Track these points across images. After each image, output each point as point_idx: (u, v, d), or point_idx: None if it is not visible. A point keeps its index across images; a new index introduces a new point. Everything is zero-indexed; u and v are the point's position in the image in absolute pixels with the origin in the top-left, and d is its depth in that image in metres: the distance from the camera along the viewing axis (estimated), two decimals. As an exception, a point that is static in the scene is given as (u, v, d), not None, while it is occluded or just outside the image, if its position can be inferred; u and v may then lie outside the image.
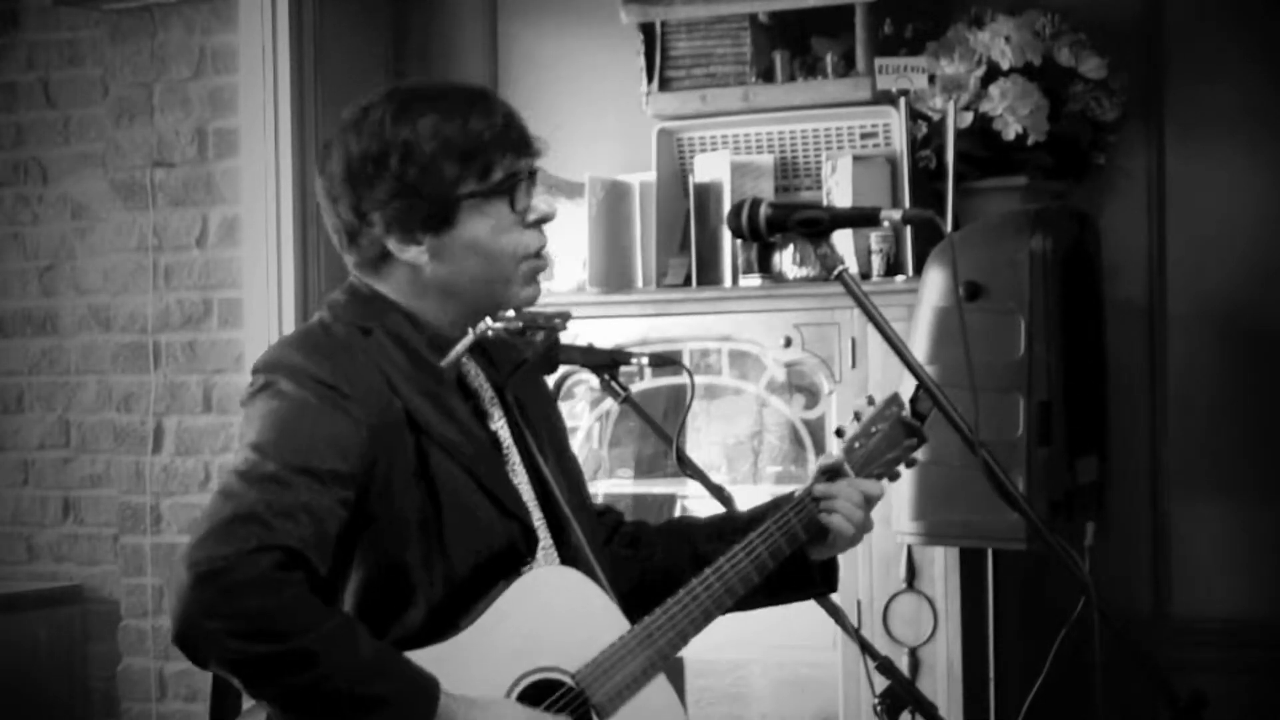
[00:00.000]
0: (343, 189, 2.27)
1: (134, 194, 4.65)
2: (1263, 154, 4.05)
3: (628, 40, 4.25)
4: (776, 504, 2.45)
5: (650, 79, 4.19)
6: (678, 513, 4.28)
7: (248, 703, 2.22)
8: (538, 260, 2.33)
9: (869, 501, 2.41)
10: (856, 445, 2.44)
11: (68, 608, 4.95)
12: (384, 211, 2.25)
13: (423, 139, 2.24)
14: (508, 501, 2.28)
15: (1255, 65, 4.06)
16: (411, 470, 2.20)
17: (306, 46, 4.52)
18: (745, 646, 3.95)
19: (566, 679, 2.24)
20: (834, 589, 2.51)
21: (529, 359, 2.40)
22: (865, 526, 2.42)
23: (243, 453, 2.13)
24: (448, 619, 2.20)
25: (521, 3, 4.67)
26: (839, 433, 2.46)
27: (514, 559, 2.27)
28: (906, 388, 2.43)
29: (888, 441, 2.46)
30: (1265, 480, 4.04)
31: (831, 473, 2.42)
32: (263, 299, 4.49)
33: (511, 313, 2.31)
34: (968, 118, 3.85)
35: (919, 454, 2.51)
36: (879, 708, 2.45)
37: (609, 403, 3.91)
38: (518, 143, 2.29)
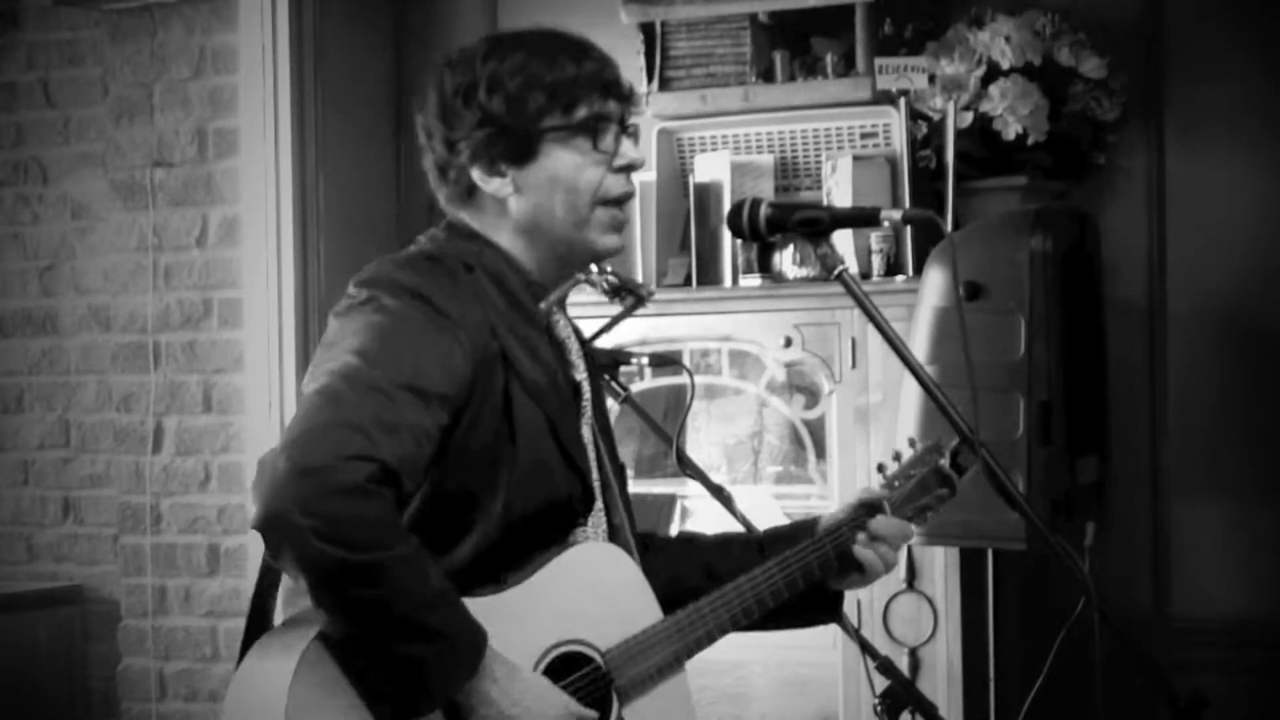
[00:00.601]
0: (435, 123, 2.30)
1: (134, 194, 4.65)
2: (1263, 154, 4.05)
3: (628, 40, 4.25)
4: (797, 526, 2.47)
5: (650, 79, 4.19)
6: (678, 513, 4.28)
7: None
8: (618, 209, 2.32)
9: (902, 540, 2.46)
10: (896, 484, 2.47)
11: (68, 608, 4.95)
12: (470, 141, 2.27)
13: (509, 72, 2.26)
14: (576, 455, 2.29)
15: (1255, 65, 4.06)
16: (498, 408, 2.21)
17: (306, 46, 4.52)
18: (745, 646, 3.92)
19: (596, 656, 2.25)
20: (838, 619, 2.52)
21: (614, 319, 2.43)
22: (892, 567, 2.46)
23: (343, 357, 2.12)
24: (492, 565, 2.21)
25: (521, 2, 4.66)
26: (880, 469, 2.50)
27: (569, 514, 2.29)
28: (907, 388, 2.43)
29: (922, 487, 2.48)
30: (1265, 480, 4.04)
31: (869, 507, 2.45)
32: (263, 299, 4.49)
33: (610, 267, 2.34)
34: (968, 118, 3.85)
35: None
36: (879, 708, 2.45)
37: (609, 403, 3.91)
38: (608, 86, 2.30)
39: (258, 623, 2.25)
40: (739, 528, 2.51)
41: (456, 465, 2.19)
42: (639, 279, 4.09)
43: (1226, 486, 4.07)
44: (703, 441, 4.21)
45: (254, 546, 4.47)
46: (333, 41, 4.58)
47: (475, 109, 2.26)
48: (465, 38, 4.90)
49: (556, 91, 2.26)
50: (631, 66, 4.25)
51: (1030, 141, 3.88)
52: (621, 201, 2.32)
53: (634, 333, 3.97)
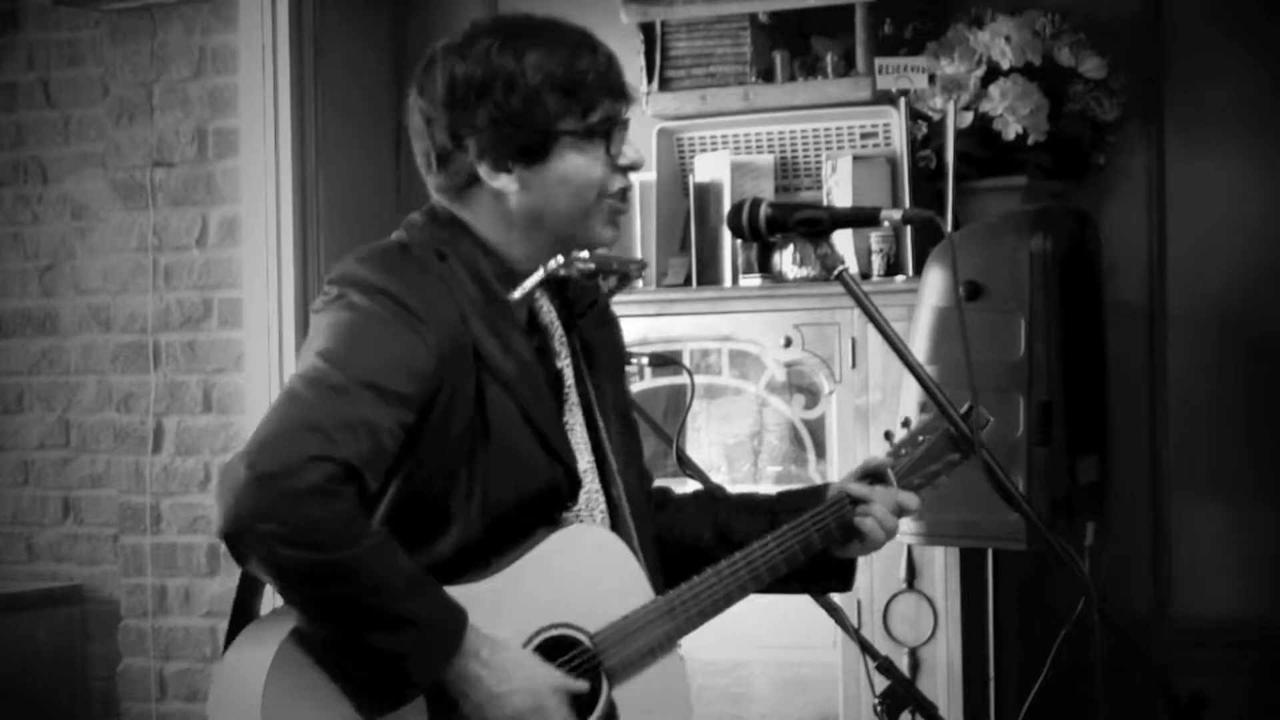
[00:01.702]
0: (441, 111, 2.27)
1: (134, 194, 4.65)
2: (1263, 154, 4.05)
3: (628, 40, 4.25)
4: (805, 493, 2.47)
5: (650, 79, 4.19)
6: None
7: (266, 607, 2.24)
8: (621, 202, 2.33)
9: (903, 511, 2.44)
10: (903, 452, 2.47)
11: (68, 608, 4.95)
12: (480, 137, 2.25)
13: (528, 70, 2.25)
14: (555, 442, 2.28)
15: (1255, 65, 4.06)
16: (469, 400, 2.21)
17: (306, 46, 4.52)
18: (745, 646, 3.95)
19: (584, 639, 2.25)
20: (849, 587, 2.52)
21: (599, 301, 2.40)
22: (893, 534, 2.45)
23: (309, 360, 2.14)
24: (478, 555, 2.21)
25: (522, 3, 4.66)
26: (887, 436, 2.49)
27: (554, 500, 2.28)
28: (907, 388, 2.43)
29: (931, 453, 2.47)
30: (1265, 480, 4.04)
31: (873, 475, 2.45)
32: (263, 299, 4.49)
33: (585, 253, 2.32)
34: (968, 118, 3.85)
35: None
36: (879, 708, 2.45)
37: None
38: (618, 87, 2.31)
39: (242, 618, 2.25)
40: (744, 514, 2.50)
41: (430, 460, 2.19)
42: (639, 280, 4.09)
43: (1226, 486, 4.07)
44: (703, 441, 4.21)
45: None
46: (333, 41, 4.58)
47: (489, 105, 2.24)
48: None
49: (574, 94, 2.26)
50: (631, 66, 4.24)
51: (1030, 141, 3.88)
52: (622, 195, 2.33)
53: (634, 333, 3.97)
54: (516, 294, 2.28)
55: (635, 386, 3.92)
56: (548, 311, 2.37)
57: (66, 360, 5.03)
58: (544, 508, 2.27)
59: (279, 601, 2.18)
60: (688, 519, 2.50)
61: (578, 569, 2.26)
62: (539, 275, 2.28)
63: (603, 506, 2.35)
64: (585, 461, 2.34)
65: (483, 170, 2.26)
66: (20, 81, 5.07)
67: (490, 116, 2.24)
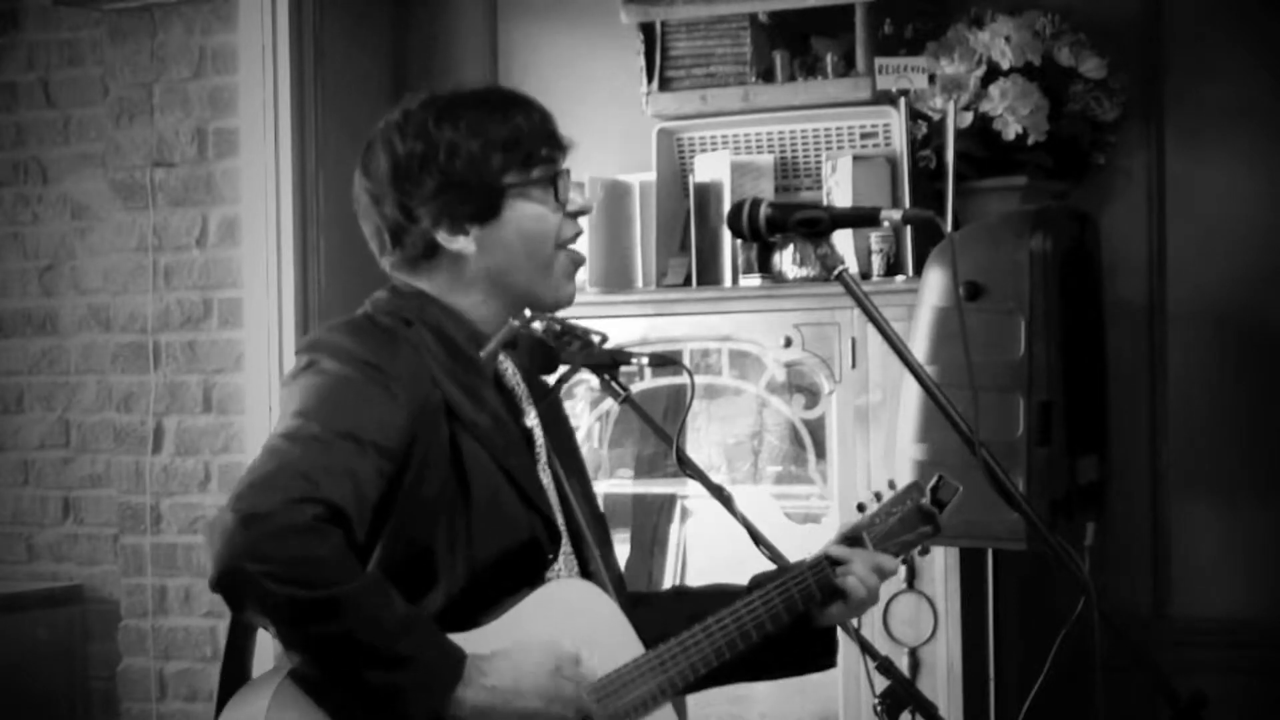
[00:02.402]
0: (389, 188, 2.35)
1: (134, 194, 4.65)
2: (1263, 154, 4.05)
3: (628, 40, 4.25)
4: (780, 569, 2.48)
5: (650, 79, 4.19)
6: (678, 513, 4.28)
7: (260, 667, 2.25)
8: (575, 252, 2.40)
9: (881, 572, 2.46)
10: (876, 521, 2.51)
11: (68, 608, 4.95)
12: (431, 206, 2.32)
13: (467, 134, 2.32)
14: (533, 495, 2.32)
15: (1255, 65, 4.06)
16: (445, 456, 2.24)
17: (306, 46, 4.52)
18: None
19: None
20: (834, 662, 2.55)
21: (563, 378, 2.45)
22: (875, 596, 2.47)
23: (285, 420, 2.17)
24: (466, 610, 2.23)
25: (522, 2, 4.67)
26: (861, 508, 2.53)
27: (537, 553, 2.31)
28: (907, 388, 2.43)
29: (904, 524, 2.52)
30: (1265, 480, 4.04)
31: (851, 539, 2.48)
32: (263, 299, 4.49)
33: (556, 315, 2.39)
34: (968, 118, 3.85)
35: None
36: (879, 708, 2.45)
37: (609, 403, 3.91)
38: (555, 137, 2.38)
39: (235, 675, 2.27)
40: (739, 529, 2.51)
41: (410, 520, 2.21)
42: (639, 280, 4.10)
43: (1226, 486, 4.07)
44: (703, 441, 4.21)
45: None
46: (333, 41, 4.58)
47: (435, 173, 2.31)
48: (465, 37, 4.93)
49: (514, 148, 2.33)
50: (631, 66, 4.25)
51: (1030, 141, 3.88)
52: (575, 240, 2.39)
53: (634, 333, 3.97)
54: (485, 351, 2.32)
55: (635, 386, 3.93)
56: (513, 373, 2.42)
57: (66, 360, 5.04)
58: (527, 561, 2.30)
59: (269, 656, 2.18)
60: (662, 613, 2.50)
61: (568, 621, 2.27)
62: (505, 331, 2.34)
63: (576, 571, 2.38)
64: (559, 521, 2.37)
65: (440, 236, 2.32)
66: (20, 81, 5.08)
67: (437, 184, 2.31)
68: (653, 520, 4.31)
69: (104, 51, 4.76)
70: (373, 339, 2.27)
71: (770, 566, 2.45)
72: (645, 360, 2.55)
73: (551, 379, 2.54)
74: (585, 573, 2.39)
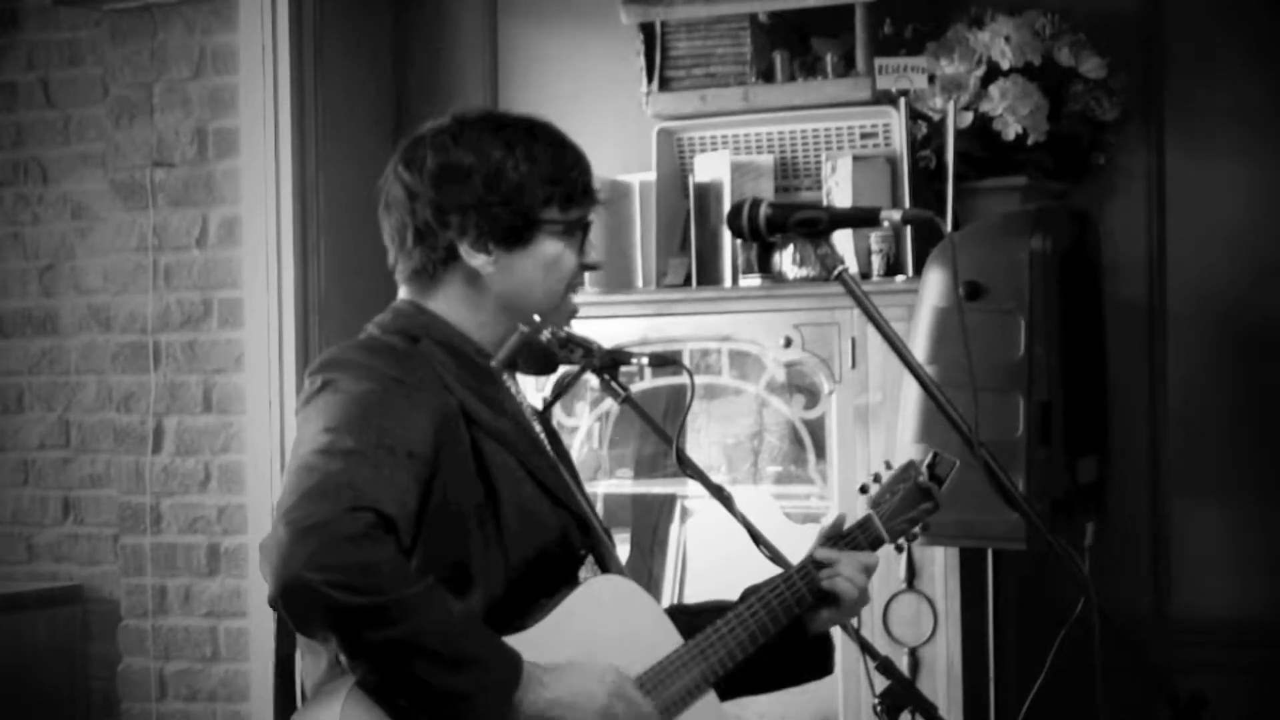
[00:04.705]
0: (429, 188, 2.35)
1: (134, 194, 4.65)
2: (1263, 154, 4.05)
3: (628, 40, 4.25)
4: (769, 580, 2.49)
5: (650, 79, 4.19)
6: (678, 513, 4.28)
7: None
8: (578, 290, 2.47)
9: (867, 570, 2.48)
10: (883, 500, 2.53)
11: (68, 608, 4.95)
12: (465, 215, 2.34)
13: (520, 160, 2.35)
14: (561, 493, 2.35)
15: (1255, 65, 4.06)
16: (469, 462, 2.27)
17: (306, 46, 4.52)
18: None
19: None
20: (830, 670, 2.58)
21: (568, 383, 2.47)
22: (866, 595, 2.49)
23: (315, 438, 2.17)
24: (506, 612, 2.24)
25: (522, 3, 4.67)
26: (863, 490, 2.56)
27: (570, 550, 2.34)
28: (907, 388, 2.43)
29: (906, 502, 2.54)
30: (1265, 480, 4.04)
31: (834, 539, 2.50)
32: (263, 299, 4.49)
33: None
34: (968, 118, 3.85)
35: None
36: (879, 708, 2.45)
37: (609, 403, 3.91)
38: (593, 189, 2.44)
39: (285, 686, 2.29)
40: (740, 529, 2.51)
41: (443, 527, 2.23)
42: (639, 280, 4.10)
43: (1226, 486, 4.07)
44: (703, 441, 4.21)
45: (254, 546, 4.46)
46: (333, 41, 4.58)
47: (478, 186, 2.33)
48: (465, 37, 4.92)
49: (560, 187, 2.37)
50: (631, 66, 4.25)
51: (1030, 141, 3.88)
52: (579, 288, 2.46)
53: (634, 333, 3.97)
54: (498, 358, 2.35)
55: (635, 386, 3.93)
56: (516, 393, 2.45)
57: (66, 360, 5.03)
58: (561, 559, 2.33)
59: (315, 672, 2.19)
60: None
61: (608, 618, 2.31)
62: (517, 337, 2.35)
63: (597, 569, 2.41)
64: (589, 517, 2.41)
65: (463, 247, 2.34)
66: (20, 81, 5.07)
67: (479, 196, 2.33)
68: (653, 520, 4.31)
69: (104, 51, 4.76)
70: (385, 354, 2.29)
71: (770, 566, 2.46)
72: (645, 360, 2.56)
73: (548, 383, 2.56)
74: (604, 570, 2.41)
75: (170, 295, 4.62)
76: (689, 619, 2.47)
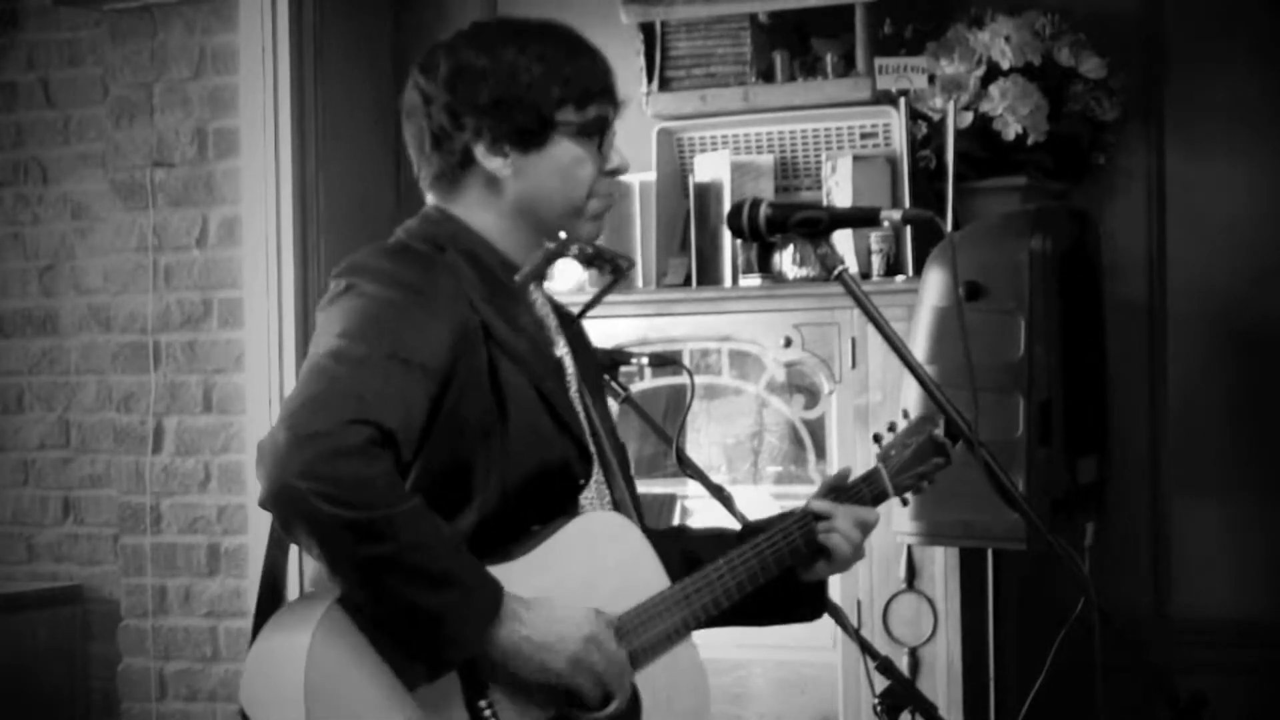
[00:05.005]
0: (442, 91, 2.32)
1: (134, 194, 4.65)
2: (1263, 154, 4.05)
3: (628, 40, 4.25)
4: (769, 519, 2.48)
5: (650, 79, 4.19)
6: (678, 513, 4.28)
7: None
8: (607, 200, 2.40)
9: (864, 526, 2.46)
10: (893, 453, 2.51)
11: (68, 608, 4.95)
12: (479, 116, 2.31)
13: (534, 60, 2.31)
14: (568, 419, 2.33)
15: (1255, 65, 4.06)
16: (484, 378, 2.25)
17: (306, 46, 4.52)
18: (745, 646, 3.95)
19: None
20: (820, 614, 2.54)
21: (596, 299, 2.47)
22: (861, 551, 2.47)
23: (329, 341, 2.17)
24: (497, 534, 2.24)
25: (522, 3, 4.66)
26: (876, 439, 2.53)
27: (569, 477, 2.32)
28: (907, 388, 2.43)
29: (918, 456, 2.51)
30: (1265, 480, 4.04)
31: (836, 490, 2.48)
32: (263, 299, 4.49)
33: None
34: (968, 118, 3.85)
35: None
36: (879, 708, 2.45)
37: (609, 403, 3.91)
38: (612, 90, 2.38)
39: (270, 597, 2.26)
40: (739, 527, 2.52)
41: (448, 439, 2.22)
42: (639, 280, 4.09)
43: (1226, 486, 4.07)
44: (703, 441, 4.21)
45: (255, 546, 4.47)
46: (333, 41, 4.58)
47: (492, 86, 2.30)
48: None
49: (573, 87, 2.32)
50: (631, 66, 4.25)
51: (1030, 141, 3.88)
52: (609, 194, 2.40)
53: (634, 333, 3.97)
54: (521, 275, 2.32)
55: (635, 386, 3.93)
56: (542, 304, 2.42)
57: (66, 360, 5.03)
58: (559, 485, 2.31)
59: (305, 579, 2.20)
60: (660, 549, 2.49)
61: (598, 555, 2.30)
62: (541, 254, 2.33)
63: (608, 499, 2.40)
64: (591, 447, 2.38)
65: (479, 150, 2.31)
66: (20, 81, 5.07)
67: (492, 96, 2.30)
68: (653, 520, 4.31)
69: (104, 51, 4.76)
70: (411, 262, 2.27)
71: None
72: (645, 360, 2.56)
73: (579, 304, 2.53)
74: (611, 500, 2.40)
75: (170, 295, 4.62)
76: (687, 543, 2.48)
